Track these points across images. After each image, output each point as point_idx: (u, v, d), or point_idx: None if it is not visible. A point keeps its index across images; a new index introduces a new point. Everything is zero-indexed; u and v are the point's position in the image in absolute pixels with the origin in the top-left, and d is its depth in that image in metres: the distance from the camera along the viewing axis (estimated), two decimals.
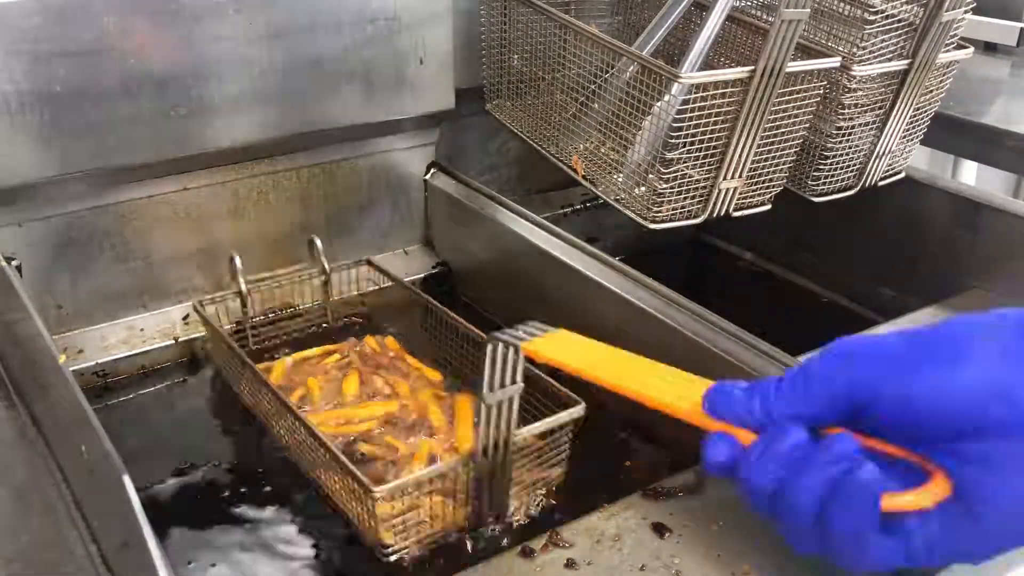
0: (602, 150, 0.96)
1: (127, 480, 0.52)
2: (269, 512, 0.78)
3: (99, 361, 0.93)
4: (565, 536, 0.68)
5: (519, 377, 0.63)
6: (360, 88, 0.99)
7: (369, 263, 1.01)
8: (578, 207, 1.27)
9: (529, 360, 0.62)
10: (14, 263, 0.88)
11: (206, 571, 0.72)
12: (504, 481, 0.69)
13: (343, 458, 0.68)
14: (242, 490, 0.80)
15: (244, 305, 0.92)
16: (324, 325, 1.00)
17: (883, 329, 0.96)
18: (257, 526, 0.76)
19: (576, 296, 0.92)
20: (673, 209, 0.89)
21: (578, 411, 0.73)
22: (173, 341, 0.97)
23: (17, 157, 0.83)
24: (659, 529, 0.69)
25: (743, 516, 0.71)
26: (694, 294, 0.84)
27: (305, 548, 0.74)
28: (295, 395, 0.86)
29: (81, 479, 0.57)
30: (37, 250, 0.90)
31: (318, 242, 0.96)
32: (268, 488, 0.80)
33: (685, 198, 0.89)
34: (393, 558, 0.68)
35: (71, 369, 0.83)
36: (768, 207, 0.95)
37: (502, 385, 0.62)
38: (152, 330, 0.97)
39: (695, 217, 0.91)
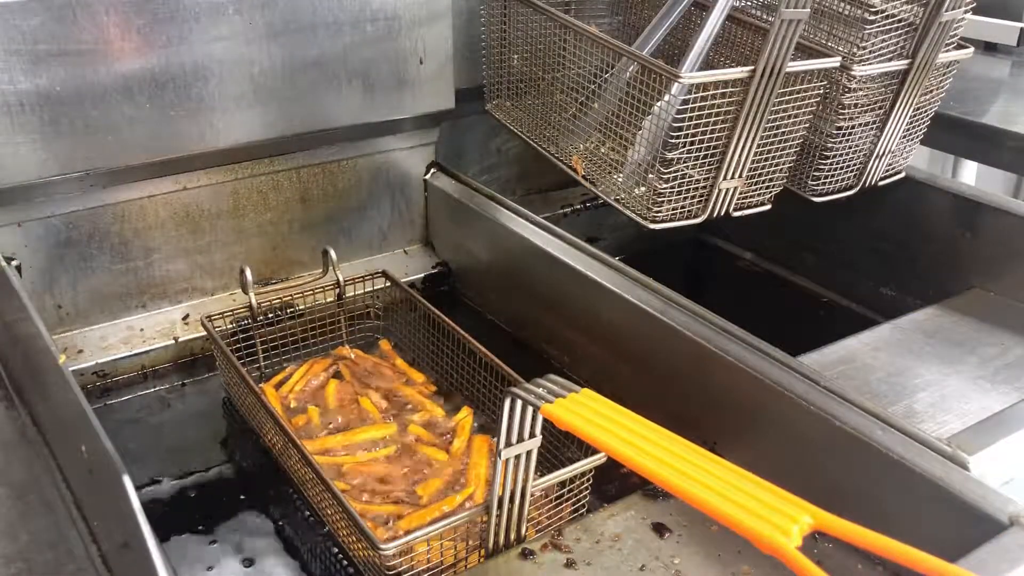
0: (602, 150, 0.96)
1: (127, 480, 0.52)
2: (268, 514, 0.78)
3: (99, 361, 0.93)
4: (565, 536, 0.68)
5: (538, 430, 0.61)
6: (360, 88, 0.99)
7: (385, 275, 0.97)
8: (578, 207, 1.27)
9: None
10: (14, 263, 0.88)
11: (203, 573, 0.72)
12: (519, 527, 0.67)
13: (352, 510, 0.65)
14: (241, 492, 0.80)
15: (254, 319, 0.90)
16: (335, 333, 0.96)
17: (883, 329, 0.97)
18: (256, 527, 0.76)
19: (576, 296, 0.92)
20: (673, 209, 0.89)
21: (599, 459, 0.69)
22: (173, 341, 0.97)
23: (17, 157, 0.83)
24: (659, 529, 0.69)
25: None
26: (694, 294, 0.84)
27: (303, 550, 0.74)
28: (297, 421, 0.85)
29: (81, 479, 0.57)
30: (37, 250, 0.90)
31: (332, 253, 0.92)
32: (267, 490, 0.80)
33: (685, 198, 0.89)
34: None
35: (71, 369, 0.83)
36: (768, 207, 0.95)
37: (520, 439, 0.60)
38: (152, 330, 0.97)
39: (695, 217, 0.91)
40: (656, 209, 0.88)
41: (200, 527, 0.76)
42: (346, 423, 0.84)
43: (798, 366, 0.74)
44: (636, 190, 0.91)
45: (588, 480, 0.71)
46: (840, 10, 0.96)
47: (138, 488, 0.53)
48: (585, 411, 0.55)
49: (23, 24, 0.79)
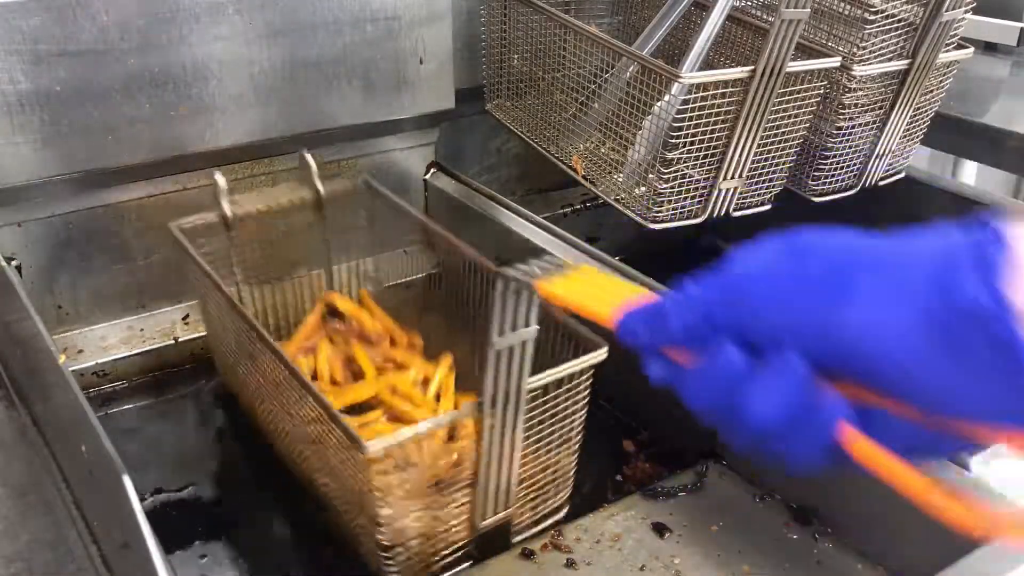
0: (602, 150, 0.96)
1: (127, 480, 0.52)
2: (267, 516, 0.78)
3: (99, 361, 0.93)
4: (565, 536, 0.68)
5: (533, 319, 0.55)
6: (360, 88, 0.99)
7: (367, 183, 0.91)
8: (578, 207, 1.27)
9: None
10: (14, 263, 0.88)
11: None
12: (513, 433, 0.62)
13: (333, 410, 0.60)
14: (241, 493, 0.80)
15: (229, 229, 0.84)
16: (317, 252, 0.90)
17: None
18: (256, 529, 0.76)
19: None
20: (673, 209, 0.89)
21: (600, 354, 0.65)
22: (173, 341, 0.97)
23: (17, 157, 0.83)
24: (659, 529, 0.69)
25: (743, 516, 0.71)
26: None
27: (302, 553, 0.74)
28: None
29: (81, 479, 0.57)
30: (37, 250, 0.90)
31: (309, 157, 0.86)
32: (267, 492, 0.80)
33: (685, 198, 0.89)
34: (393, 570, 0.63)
35: (71, 369, 0.83)
36: (768, 207, 0.95)
37: (513, 328, 0.55)
38: (152, 330, 0.97)
39: (695, 217, 0.91)
40: (656, 209, 0.88)
41: (198, 529, 0.76)
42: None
43: None
44: (636, 190, 0.91)
45: (588, 380, 0.66)
46: (840, 10, 0.96)
47: (137, 489, 0.53)
48: (585, 287, 0.51)
49: (23, 24, 0.79)
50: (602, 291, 0.51)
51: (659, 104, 0.85)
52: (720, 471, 0.76)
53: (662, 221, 0.89)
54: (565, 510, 0.71)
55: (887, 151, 1.01)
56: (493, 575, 0.65)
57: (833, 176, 1.00)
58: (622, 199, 0.92)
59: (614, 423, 0.86)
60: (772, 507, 0.72)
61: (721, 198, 0.90)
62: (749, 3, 1.02)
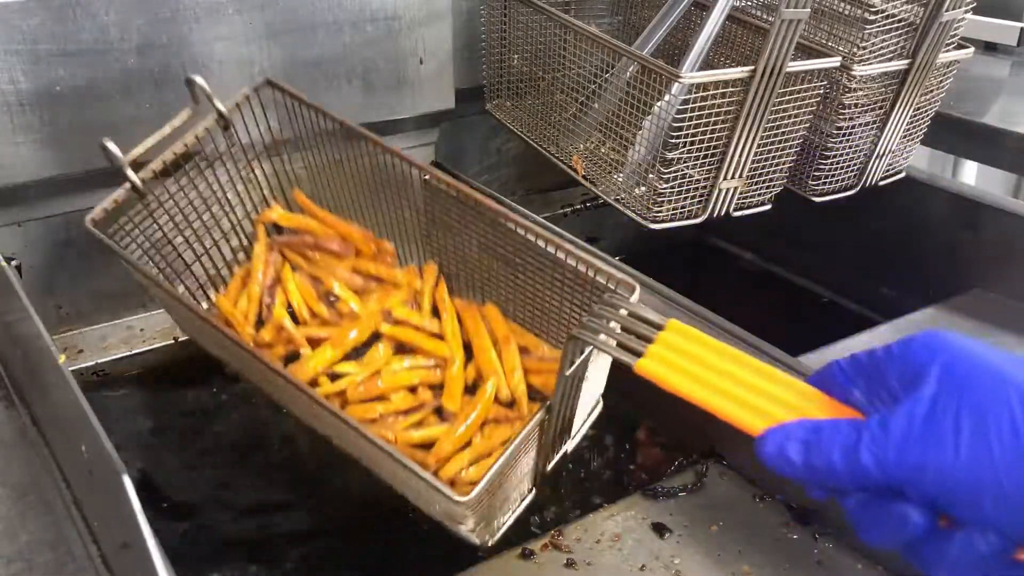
0: (602, 150, 0.96)
1: (127, 480, 0.52)
2: (268, 517, 0.78)
3: (99, 361, 0.93)
4: (565, 536, 0.68)
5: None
6: (360, 88, 0.99)
7: (271, 83, 0.80)
8: (578, 207, 1.27)
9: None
10: (14, 263, 0.88)
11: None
12: (565, 431, 0.64)
13: (413, 466, 0.56)
14: (242, 493, 0.80)
15: (141, 196, 0.75)
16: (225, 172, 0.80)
17: (883, 329, 0.97)
18: (255, 530, 0.76)
19: None
20: (673, 209, 0.89)
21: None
22: (173, 341, 0.97)
23: (17, 157, 0.83)
24: (659, 529, 0.69)
25: (743, 516, 0.71)
26: (694, 294, 0.84)
27: (302, 550, 0.74)
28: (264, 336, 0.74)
29: (81, 479, 0.57)
30: (37, 250, 0.90)
31: (200, 80, 0.76)
32: (267, 492, 0.80)
33: (685, 198, 0.89)
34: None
35: (71, 369, 0.83)
36: (768, 207, 0.95)
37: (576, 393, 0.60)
38: (152, 330, 0.97)
39: (695, 217, 0.91)
40: (656, 209, 0.88)
41: (199, 529, 0.76)
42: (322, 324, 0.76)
43: (798, 366, 0.74)
44: (636, 190, 0.91)
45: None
46: (840, 10, 0.96)
47: (138, 490, 0.53)
48: (683, 359, 0.45)
49: (23, 24, 0.79)
50: (705, 367, 0.46)
51: (659, 104, 0.85)
52: (720, 471, 0.76)
53: (662, 221, 0.89)
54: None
55: (887, 151, 1.01)
56: (493, 575, 0.65)
57: (833, 176, 1.00)
58: (622, 199, 0.92)
59: (614, 421, 0.86)
60: (772, 507, 0.72)
61: (721, 198, 0.90)
62: (749, 3, 1.02)
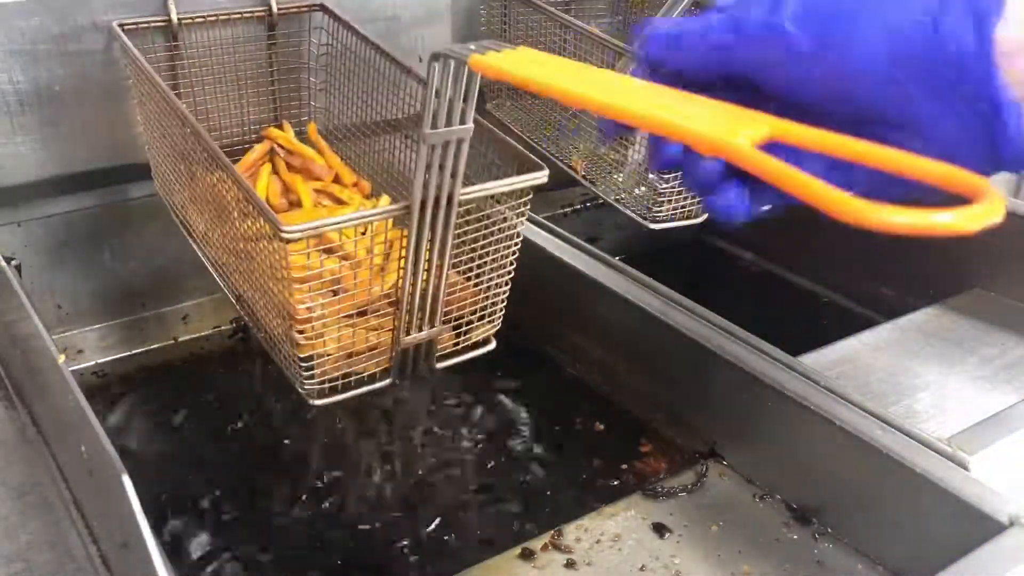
0: (602, 150, 0.96)
1: (127, 480, 0.52)
2: (268, 519, 0.78)
3: (99, 361, 0.93)
4: (565, 536, 0.68)
5: (469, 117, 0.53)
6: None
7: (324, 8, 0.85)
8: (578, 207, 1.27)
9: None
10: (14, 263, 0.88)
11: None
12: (443, 245, 0.58)
13: (250, 188, 0.58)
14: (241, 492, 0.80)
15: (174, 38, 0.81)
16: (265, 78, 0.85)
17: (883, 329, 0.97)
18: (256, 532, 0.76)
19: (576, 296, 0.92)
20: (673, 209, 0.89)
21: (540, 176, 0.61)
22: (173, 341, 0.97)
23: (17, 157, 0.83)
24: (659, 529, 0.69)
25: (743, 516, 0.71)
26: (694, 294, 0.84)
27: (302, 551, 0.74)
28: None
29: (81, 479, 0.57)
30: (37, 250, 0.90)
31: None
32: (267, 493, 0.80)
33: (685, 198, 0.89)
34: (313, 378, 0.61)
35: (71, 369, 0.83)
36: (770, 206, 0.95)
37: (448, 122, 0.52)
38: (152, 330, 0.97)
39: (695, 217, 0.91)
40: (656, 209, 0.88)
41: (199, 530, 0.75)
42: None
43: (798, 366, 0.74)
44: (636, 190, 0.91)
45: (526, 204, 0.63)
46: None
47: (138, 491, 0.53)
48: (523, 61, 0.47)
49: (23, 24, 0.79)
50: (539, 65, 0.46)
51: None
52: (720, 471, 0.76)
53: (662, 221, 0.89)
54: (492, 345, 0.69)
55: None
56: (493, 575, 0.65)
57: None
58: (622, 199, 0.92)
59: (614, 421, 0.86)
60: (772, 507, 0.72)
61: None
62: None
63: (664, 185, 0.87)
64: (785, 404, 0.72)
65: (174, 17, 0.80)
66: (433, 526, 0.75)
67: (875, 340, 0.93)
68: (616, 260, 0.90)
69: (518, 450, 0.84)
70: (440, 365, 0.66)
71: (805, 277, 1.22)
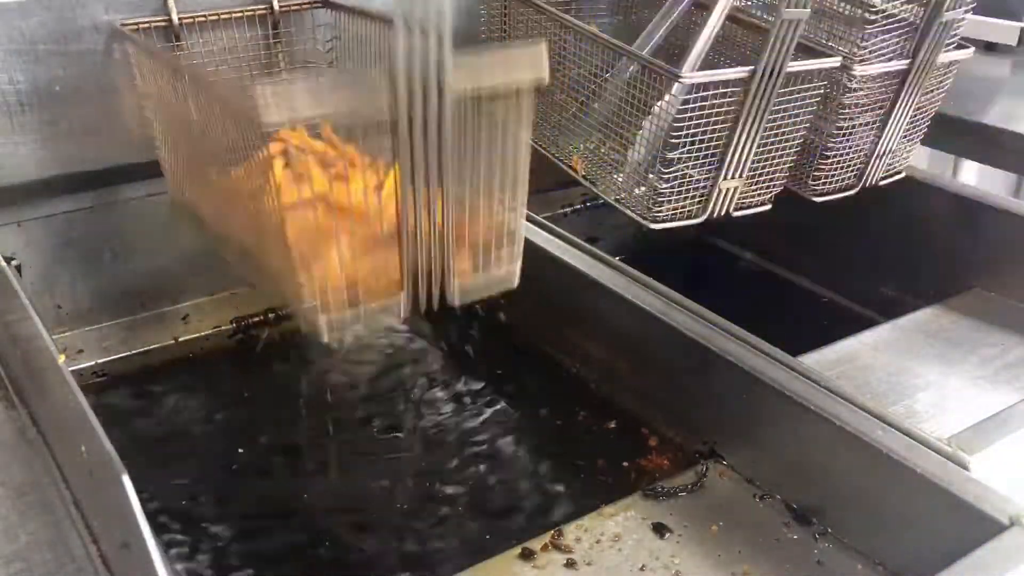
0: (602, 150, 0.96)
1: (127, 480, 0.52)
2: (268, 521, 0.78)
3: (99, 361, 0.93)
4: (565, 536, 0.68)
5: None
6: None
7: (326, 2, 0.84)
8: (578, 207, 1.27)
9: None
10: (14, 263, 0.88)
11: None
12: (438, 176, 0.53)
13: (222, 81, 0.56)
14: (242, 494, 0.80)
15: (176, 39, 0.81)
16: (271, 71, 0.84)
17: (883, 329, 0.97)
18: (256, 532, 0.76)
19: (576, 296, 0.92)
20: (673, 209, 0.89)
21: (538, 69, 0.55)
22: (173, 341, 0.97)
23: (17, 157, 0.83)
24: (659, 529, 0.69)
25: (743, 516, 0.71)
26: (694, 294, 0.84)
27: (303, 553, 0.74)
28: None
29: (81, 479, 0.57)
30: (37, 250, 0.90)
31: None
32: (268, 493, 0.80)
33: (685, 198, 0.89)
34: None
35: (71, 369, 0.83)
36: (769, 207, 0.95)
37: None
38: (152, 330, 0.97)
39: (695, 217, 0.91)
40: (656, 209, 0.88)
41: (199, 530, 0.75)
42: None
43: (798, 366, 0.74)
44: (636, 190, 0.91)
45: (528, 103, 0.57)
46: (840, 10, 0.96)
47: (137, 489, 0.53)
48: None
49: (23, 24, 0.79)
50: None
51: (659, 104, 0.85)
52: (720, 471, 0.76)
53: (662, 221, 0.89)
54: (515, 282, 0.64)
55: (887, 151, 1.01)
56: (493, 575, 0.65)
57: (833, 176, 1.00)
58: (622, 199, 0.92)
59: (613, 421, 0.86)
60: (772, 507, 0.72)
61: (721, 198, 0.90)
62: (749, 3, 1.01)
63: (664, 185, 0.87)
64: (785, 404, 0.72)
65: (174, 17, 0.80)
66: (433, 525, 0.75)
67: (875, 340, 0.93)
68: (616, 260, 0.90)
69: (518, 450, 0.84)
70: (458, 301, 0.60)
71: (805, 277, 1.22)
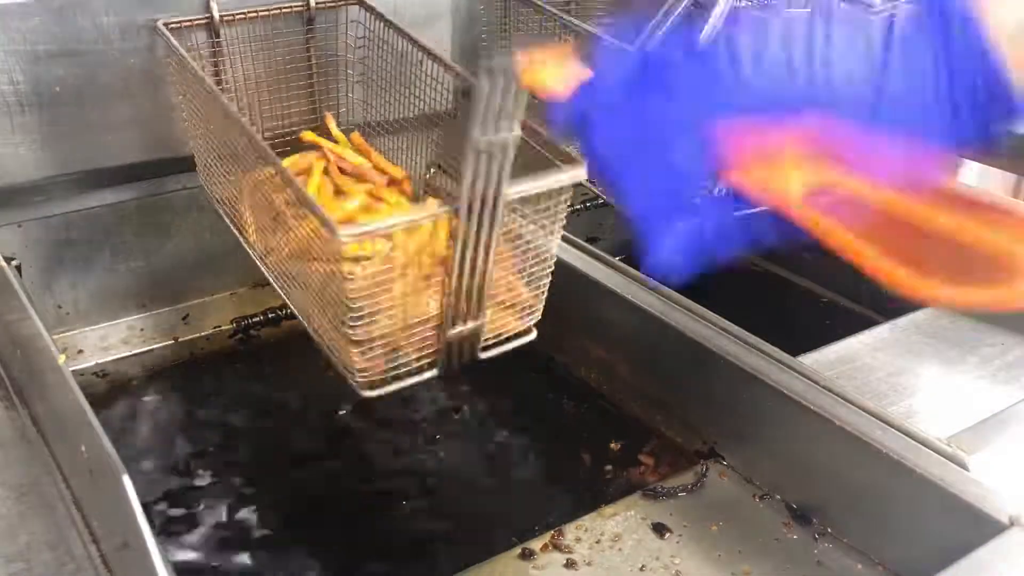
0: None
1: (127, 480, 0.52)
2: (274, 516, 0.78)
3: (99, 361, 0.93)
4: (565, 536, 0.68)
5: (517, 124, 0.54)
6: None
7: (361, 3, 0.87)
8: (578, 207, 1.27)
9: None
10: (14, 263, 0.88)
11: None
12: (485, 261, 0.61)
13: (307, 194, 0.60)
14: (242, 492, 0.80)
15: (216, 35, 0.83)
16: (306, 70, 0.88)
17: (883, 329, 0.96)
18: (255, 532, 0.76)
19: (576, 296, 0.92)
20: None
21: (579, 173, 0.63)
22: (173, 341, 0.97)
23: (17, 157, 0.83)
24: (659, 529, 0.69)
25: (743, 516, 0.71)
26: (694, 294, 0.84)
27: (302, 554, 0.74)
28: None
29: (81, 479, 0.57)
30: (37, 250, 0.90)
31: None
32: (268, 490, 0.80)
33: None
34: (364, 369, 0.63)
35: (71, 369, 0.83)
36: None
37: (496, 130, 0.54)
38: (152, 330, 0.97)
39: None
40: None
41: (199, 530, 0.76)
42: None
43: (798, 366, 0.74)
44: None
45: (566, 200, 0.66)
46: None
47: (137, 489, 0.53)
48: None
49: (23, 24, 0.79)
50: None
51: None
52: (720, 471, 0.76)
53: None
54: (533, 335, 0.70)
55: None
56: (493, 575, 0.65)
57: None
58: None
59: (613, 422, 0.86)
60: (772, 507, 0.72)
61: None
62: (750, 3, 1.01)
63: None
64: (785, 404, 0.72)
65: (215, 13, 0.82)
66: (433, 525, 0.75)
67: (875, 340, 0.93)
68: (616, 260, 0.90)
69: (517, 450, 0.84)
70: (484, 356, 0.67)
71: (805, 277, 1.22)
